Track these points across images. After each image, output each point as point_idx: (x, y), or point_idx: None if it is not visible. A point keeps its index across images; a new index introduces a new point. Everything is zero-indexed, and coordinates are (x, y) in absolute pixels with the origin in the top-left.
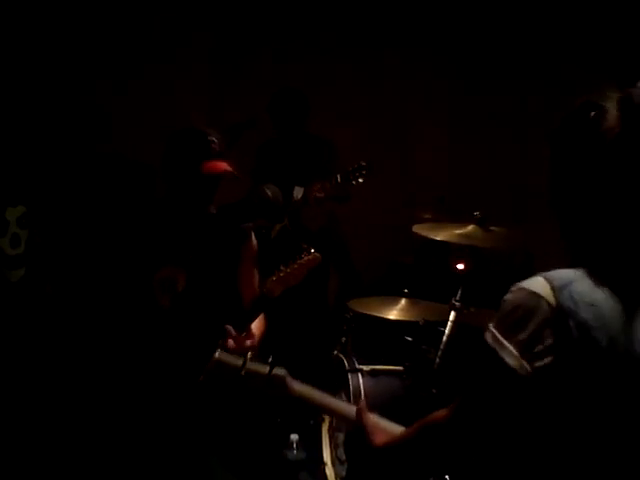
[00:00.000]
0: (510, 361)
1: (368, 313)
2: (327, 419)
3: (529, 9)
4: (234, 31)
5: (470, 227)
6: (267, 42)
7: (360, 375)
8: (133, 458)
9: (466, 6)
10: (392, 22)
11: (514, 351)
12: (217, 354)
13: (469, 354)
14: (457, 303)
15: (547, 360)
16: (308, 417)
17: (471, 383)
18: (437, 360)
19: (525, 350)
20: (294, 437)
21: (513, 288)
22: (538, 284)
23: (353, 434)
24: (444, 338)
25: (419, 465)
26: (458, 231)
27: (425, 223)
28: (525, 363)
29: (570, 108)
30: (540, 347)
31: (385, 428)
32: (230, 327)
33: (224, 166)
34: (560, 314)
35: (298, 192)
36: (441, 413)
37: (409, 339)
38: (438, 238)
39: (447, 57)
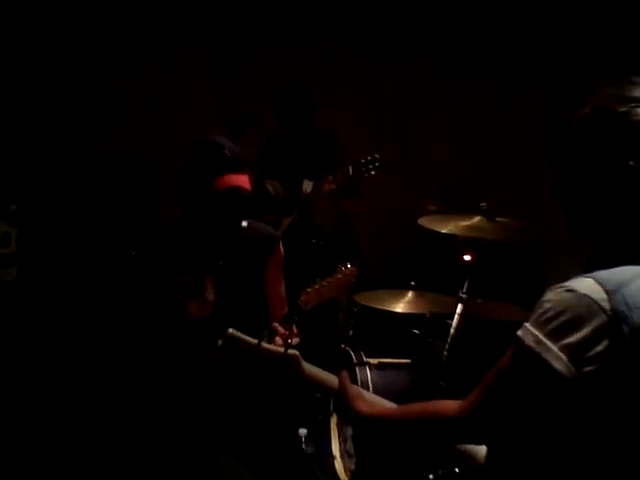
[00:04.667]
0: (557, 365)
1: (375, 306)
2: (335, 413)
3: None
4: (235, 26)
5: (476, 219)
6: (268, 36)
7: (367, 368)
8: (138, 450)
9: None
10: (393, 13)
11: (562, 355)
12: (230, 330)
13: (477, 346)
14: (464, 295)
15: (597, 365)
16: (317, 411)
17: (502, 382)
18: (444, 353)
19: (575, 355)
20: (303, 431)
21: (557, 289)
22: (589, 286)
23: (336, 401)
24: (451, 330)
25: (415, 446)
26: (464, 223)
27: (431, 215)
28: (573, 368)
29: (590, 101)
30: (591, 353)
31: (370, 399)
32: (277, 325)
33: (235, 181)
34: (614, 320)
35: (307, 186)
36: (451, 406)
37: (416, 332)
38: (444, 231)
39: (450, 48)
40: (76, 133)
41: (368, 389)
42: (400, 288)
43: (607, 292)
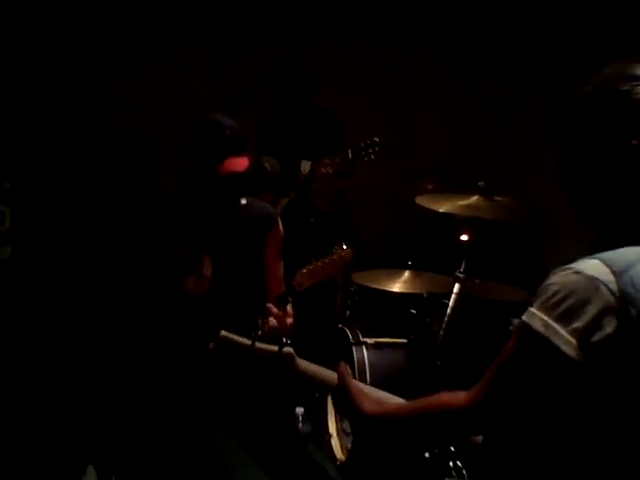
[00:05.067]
0: (566, 349)
1: (372, 286)
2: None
3: None
4: (234, 8)
5: (474, 198)
6: (267, 18)
7: (364, 348)
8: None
9: None
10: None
11: (571, 339)
12: (223, 332)
13: (474, 326)
14: (461, 275)
15: (606, 348)
16: (313, 392)
17: (509, 369)
18: (441, 332)
19: (584, 338)
20: (300, 410)
21: (563, 271)
22: (596, 268)
23: (336, 398)
24: (448, 310)
25: (424, 442)
26: (462, 202)
27: (428, 194)
28: (582, 351)
29: (592, 79)
30: (600, 335)
31: (370, 394)
32: (271, 305)
33: (237, 165)
34: (622, 301)
35: (305, 166)
36: (458, 397)
37: (413, 312)
38: (441, 210)
39: (450, 29)
40: (73, 112)
41: (365, 368)
42: (397, 268)
43: (614, 273)
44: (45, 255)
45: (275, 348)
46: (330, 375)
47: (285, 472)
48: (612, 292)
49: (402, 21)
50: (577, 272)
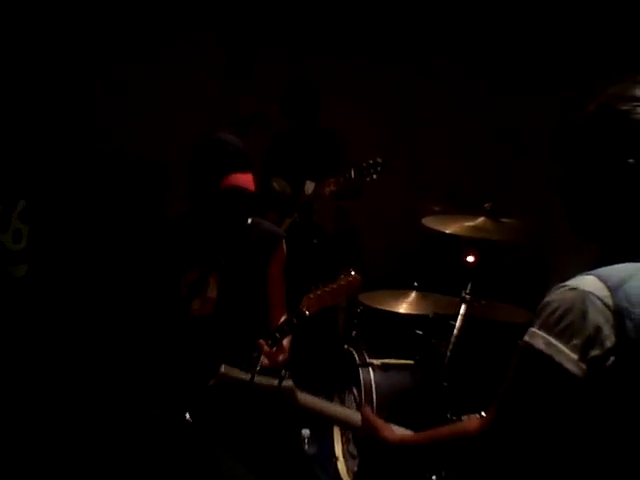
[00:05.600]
0: (569, 366)
1: (378, 307)
2: None
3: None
4: (246, 25)
5: (480, 219)
6: (276, 37)
7: (371, 369)
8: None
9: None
10: (401, 15)
11: (572, 355)
12: (223, 368)
13: (480, 347)
14: (467, 296)
15: (607, 362)
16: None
17: (515, 391)
18: (448, 354)
19: (584, 354)
20: (306, 432)
21: (560, 288)
22: (592, 284)
23: (365, 437)
24: (455, 331)
25: (443, 467)
26: (468, 223)
27: (435, 215)
28: (584, 366)
29: (596, 99)
30: (599, 350)
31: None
32: (263, 342)
33: (240, 181)
34: (618, 315)
35: (309, 187)
36: (474, 423)
37: (420, 333)
38: (448, 231)
39: (458, 48)
40: (84, 131)
41: (371, 390)
42: (403, 289)
43: (609, 289)
44: (58, 273)
45: (275, 382)
46: (329, 407)
47: None
48: (608, 306)
49: (407, 41)
50: (574, 289)
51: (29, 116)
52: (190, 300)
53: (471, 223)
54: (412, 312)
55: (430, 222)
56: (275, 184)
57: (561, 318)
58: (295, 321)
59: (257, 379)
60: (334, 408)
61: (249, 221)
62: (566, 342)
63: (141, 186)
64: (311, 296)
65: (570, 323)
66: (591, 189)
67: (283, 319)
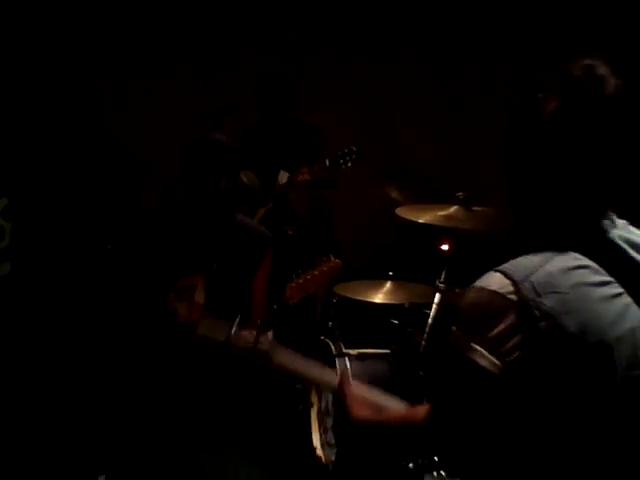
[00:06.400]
0: (481, 362)
1: (354, 297)
2: (316, 404)
3: None
4: (215, 21)
5: (453, 208)
6: (251, 31)
7: (347, 359)
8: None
9: None
10: (376, 8)
11: (484, 351)
12: (200, 329)
13: None
14: (441, 285)
15: (517, 354)
16: (297, 402)
17: (443, 388)
18: (423, 343)
19: (494, 348)
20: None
21: (471, 290)
22: (496, 281)
23: (336, 402)
24: (429, 320)
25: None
26: (442, 213)
27: (408, 205)
28: (496, 361)
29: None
30: (509, 344)
31: (374, 400)
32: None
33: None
34: (524, 307)
35: (283, 176)
36: (420, 412)
37: (395, 322)
38: (421, 221)
39: (431, 39)
40: (65, 127)
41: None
42: (378, 278)
43: (515, 283)
44: (38, 271)
45: (251, 343)
46: (305, 366)
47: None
48: (512, 302)
49: (385, 34)
50: (480, 288)
51: (10, 114)
52: (176, 304)
53: (444, 212)
54: (387, 302)
55: (404, 212)
56: (244, 177)
57: (471, 317)
58: (276, 308)
59: (234, 338)
60: (312, 367)
61: (238, 219)
62: (477, 340)
63: (111, 176)
64: (293, 285)
65: (479, 322)
66: (518, 179)
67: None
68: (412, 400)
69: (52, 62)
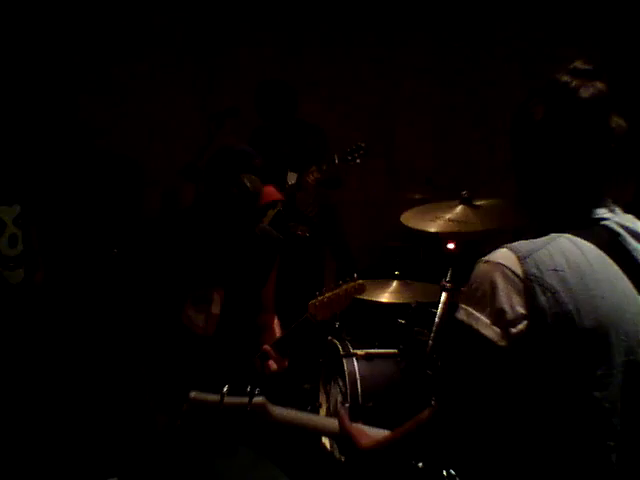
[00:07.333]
0: (486, 332)
1: (360, 297)
2: (324, 404)
3: None
4: (215, 21)
5: (458, 208)
6: (250, 32)
7: (355, 360)
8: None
9: None
10: (375, 7)
11: (488, 321)
12: (192, 394)
13: None
14: (448, 284)
15: (521, 326)
16: (306, 402)
17: (447, 362)
18: (430, 342)
19: (499, 319)
20: None
21: (477, 263)
22: (503, 255)
23: (342, 443)
24: (436, 319)
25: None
26: (447, 216)
27: (413, 208)
28: (500, 331)
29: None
30: (513, 315)
31: (368, 432)
32: (269, 348)
33: (273, 194)
34: (527, 281)
35: (291, 177)
36: (422, 414)
37: (402, 322)
38: (431, 230)
39: (432, 41)
40: (66, 132)
41: (356, 380)
42: (385, 278)
43: (519, 258)
44: (48, 272)
45: (245, 400)
46: (302, 418)
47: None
48: (516, 275)
49: (385, 34)
50: (487, 261)
51: (22, 123)
52: (193, 315)
53: (450, 215)
54: (394, 301)
55: (409, 221)
56: (247, 181)
57: (476, 289)
58: (304, 329)
59: (226, 399)
60: (309, 418)
61: (259, 231)
62: (482, 310)
63: (115, 183)
64: (316, 303)
65: (483, 293)
66: (521, 175)
67: (280, 330)
68: (420, 399)
69: (55, 70)
